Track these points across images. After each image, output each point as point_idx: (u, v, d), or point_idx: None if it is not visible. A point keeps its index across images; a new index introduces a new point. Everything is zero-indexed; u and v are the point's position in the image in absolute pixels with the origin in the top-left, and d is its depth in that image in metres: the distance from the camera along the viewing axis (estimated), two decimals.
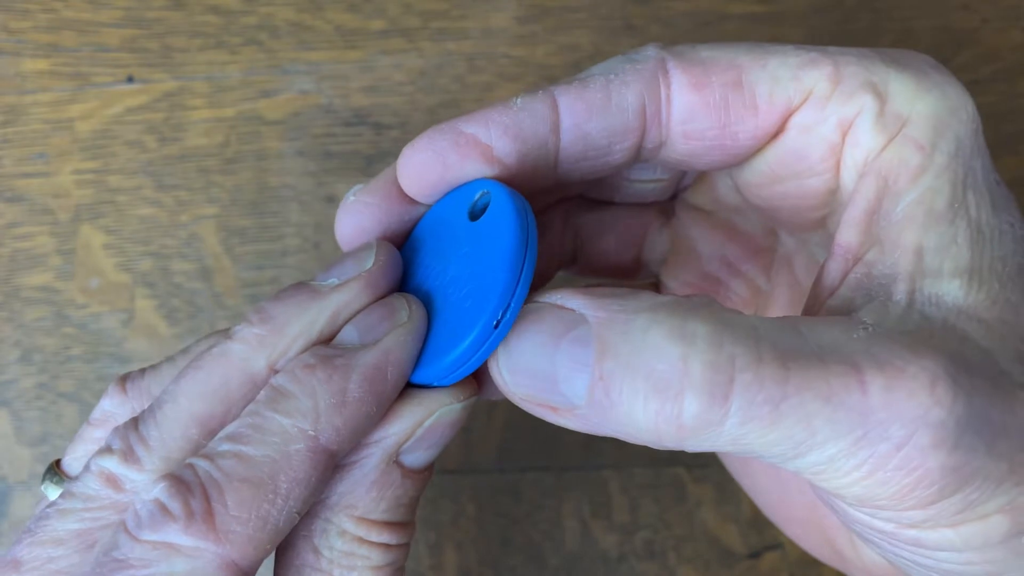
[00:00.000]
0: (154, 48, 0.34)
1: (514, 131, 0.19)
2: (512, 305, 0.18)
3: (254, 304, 0.34)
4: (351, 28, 0.34)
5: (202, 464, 0.18)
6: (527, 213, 0.19)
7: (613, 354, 0.17)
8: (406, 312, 0.19)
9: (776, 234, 0.24)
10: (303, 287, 0.20)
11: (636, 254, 0.25)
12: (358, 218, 0.21)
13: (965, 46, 0.34)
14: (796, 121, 0.19)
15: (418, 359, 0.20)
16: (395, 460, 0.19)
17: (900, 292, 0.18)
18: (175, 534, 0.17)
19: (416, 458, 0.20)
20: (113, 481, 0.18)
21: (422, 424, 0.19)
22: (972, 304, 0.17)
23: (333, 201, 0.34)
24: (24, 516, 0.33)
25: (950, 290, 0.18)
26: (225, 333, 0.20)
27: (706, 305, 0.17)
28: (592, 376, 0.17)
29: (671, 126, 0.20)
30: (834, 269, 0.19)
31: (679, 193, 0.25)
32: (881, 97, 0.19)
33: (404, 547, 0.20)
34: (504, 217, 0.19)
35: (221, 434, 0.18)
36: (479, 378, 0.20)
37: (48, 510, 0.19)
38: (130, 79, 0.34)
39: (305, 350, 0.19)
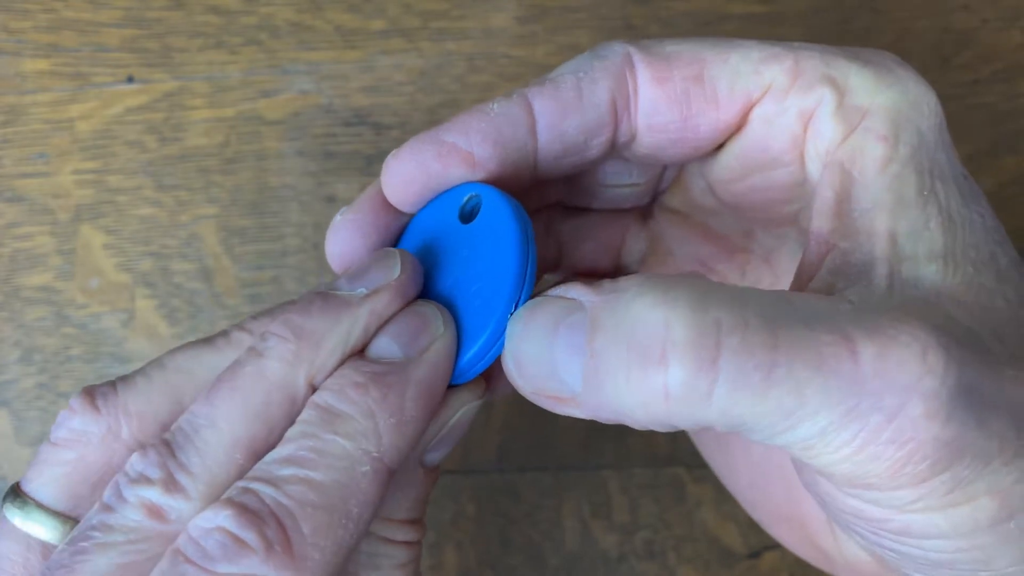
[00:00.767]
0: (154, 48, 0.34)
1: (493, 136, 0.20)
2: (522, 299, 0.19)
3: (254, 304, 0.34)
4: (351, 28, 0.34)
5: (268, 491, 0.17)
6: (521, 209, 0.20)
7: (603, 331, 0.17)
8: (441, 321, 0.19)
9: (753, 234, 0.25)
10: (331, 298, 0.19)
11: (616, 257, 0.26)
12: (346, 234, 0.21)
13: (965, 46, 0.34)
14: (757, 113, 0.20)
15: None
16: (420, 461, 0.20)
17: (879, 276, 0.18)
18: (255, 565, 0.16)
19: (435, 456, 0.20)
20: (156, 512, 0.18)
21: (447, 423, 0.20)
22: (950, 286, 0.17)
23: (333, 201, 0.34)
24: None
25: (927, 273, 0.18)
26: (226, 340, 0.20)
27: (693, 276, 0.17)
28: (586, 357, 0.17)
29: (637, 119, 0.20)
30: (812, 253, 0.19)
31: (657, 197, 0.25)
32: (840, 90, 0.19)
33: (419, 544, 0.20)
34: (502, 215, 0.19)
35: (276, 457, 0.18)
36: (487, 377, 0.21)
37: (84, 544, 0.18)
38: (130, 79, 0.34)
39: (340, 363, 0.19)
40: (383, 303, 0.19)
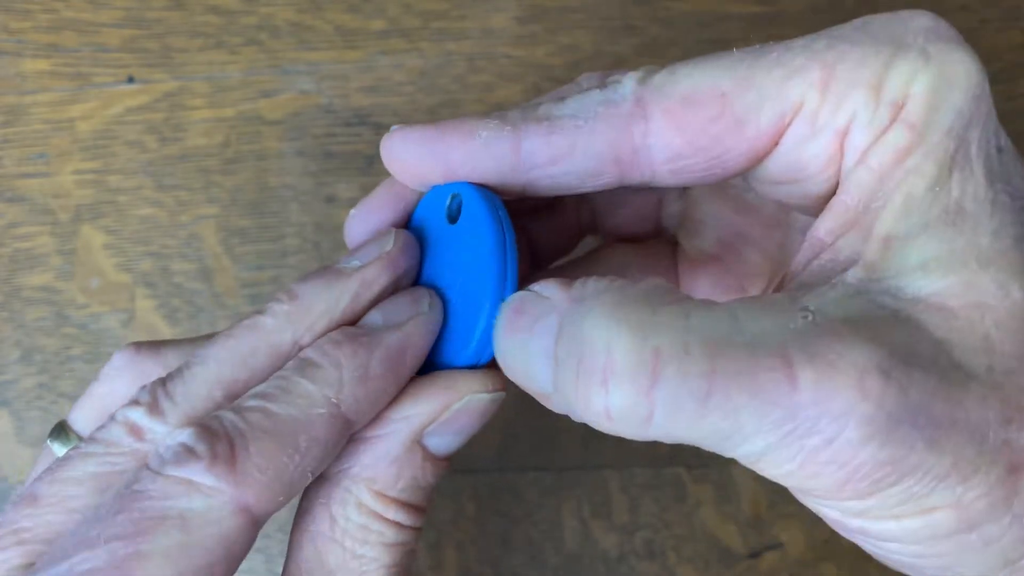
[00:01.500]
0: (154, 48, 0.34)
1: (472, 163, 0.20)
2: (506, 292, 0.20)
3: (254, 304, 0.34)
4: (351, 28, 0.34)
5: (229, 416, 0.19)
6: (498, 205, 0.20)
7: (563, 341, 0.17)
8: (427, 302, 0.21)
9: (790, 210, 0.24)
10: (328, 268, 0.21)
11: (656, 220, 0.26)
12: (356, 226, 0.23)
13: None
14: (789, 137, 0.19)
15: (439, 345, 0.21)
16: (419, 440, 0.20)
17: (853, 276, 0.18)
18: (197, 472, 0.18)
19: (439, 443, 0.21)
20: (136, 431, 0.19)
21: (450, 407, 0.20)
22: (935, 293, 0.17)
23: (333, 201, 0.34)
24: None
25: (911, 282, 0.17)
26: (259, 310, 0.21)
27: (648, 292, 0.17)
28: (552, 363, 0.17)
29: (655, 166, 0.20)
30: (804, 251, 0.19)
31: None
32: (875, 90, 0.18)
33: (416, 531, 0.20)
34: (479, 214, 0.20)
35: (249, 393, 0.19)
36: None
37: (71, 452, 0.20)
38: (130, 79, 0.34)
39: (330, 327, 0.20)
40: (372, 273, 0.21)
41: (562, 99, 0.20)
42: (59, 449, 0.22)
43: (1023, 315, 0.17)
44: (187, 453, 0.18)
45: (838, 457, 0.16)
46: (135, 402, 0.20)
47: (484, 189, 0.21)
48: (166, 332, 0.33)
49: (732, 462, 0.33)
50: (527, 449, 0.33)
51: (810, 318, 0.17)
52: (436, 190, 0.22)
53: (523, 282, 0.20)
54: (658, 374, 0.16)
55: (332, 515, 0.20)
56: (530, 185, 0.20)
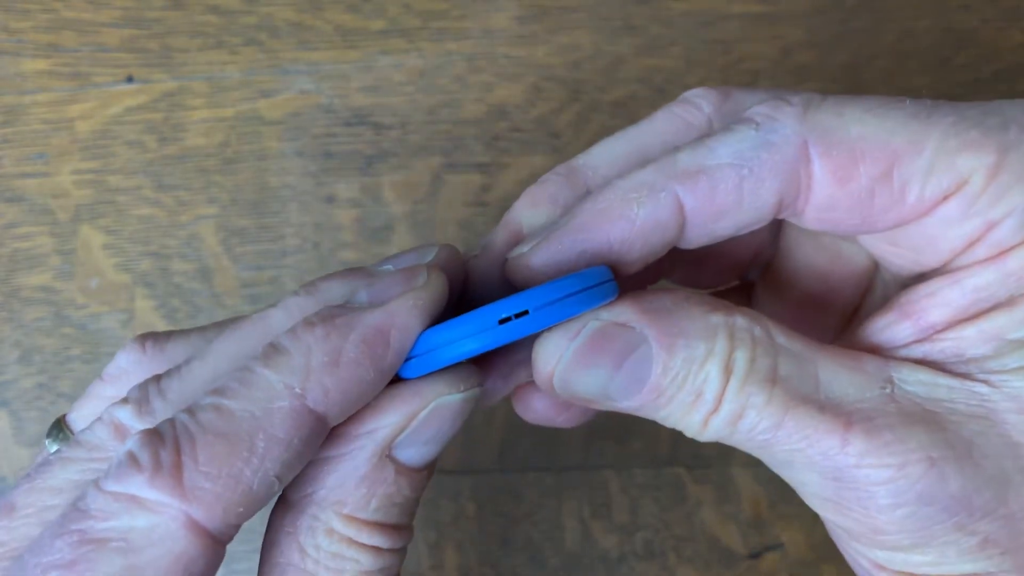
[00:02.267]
0: (154, 48, 0.34)
1: (639, 248, 0.19)
2: (533, 314, 0.18)
3: (253, 305, 0.34)
4: (351, 28, 0.34)
5: (182, 417, 0.16)
6: (605, 279, 0.19)
7: (672, 377, 0.18)
8: (423, 278, 0.18)
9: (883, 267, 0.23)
10: (357, 268, 0.19)
11: (740, 272, 0.25)
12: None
13: (965, 46, 0.34)
14: (940, 212, 0.18)
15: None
16: (388, 454, 0.18)
17: (952, 360, 0.18)
18: (139, 486, 0.16)
19: (412, 454, 0.18)
20: (121, 431, 0.18)
21: (417, 415, 0.18)
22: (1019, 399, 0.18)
23: (333, 201, 0.34)
24: None
25: (1010, 381, 0.18)
26: (274, 303, 0.19)
27: (753, 335, 0.18)
28: (647, 390, 0.18)
29: (806, 212, 0.19)
30: (892, 317, 0.19)
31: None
32: None
33: (398, 552, 0.18)
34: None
35: (209, 388, 0.17)
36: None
37: (51, 457, 0.18)
38: (130, 79, 0.34)
39: None
40: (401, 277, 0.19)
41: (708, 143, 0.19)
42: (52, 446, 0.20)
43: None
44: (131, 463, 0.16)
45: (867, 514, 0.18)
46: (124, 400, 0.18)
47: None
48: None
49: (732, 463, 0.33)
50: (527, 449, 0.33)
51: (889, 391, 0.18)
52: None
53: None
54: (743, 415, 0.18)
55: (300, 545, 0.18)
56: (684, 241, 0.19)
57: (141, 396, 0.18)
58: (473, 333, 0.18)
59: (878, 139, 0.18)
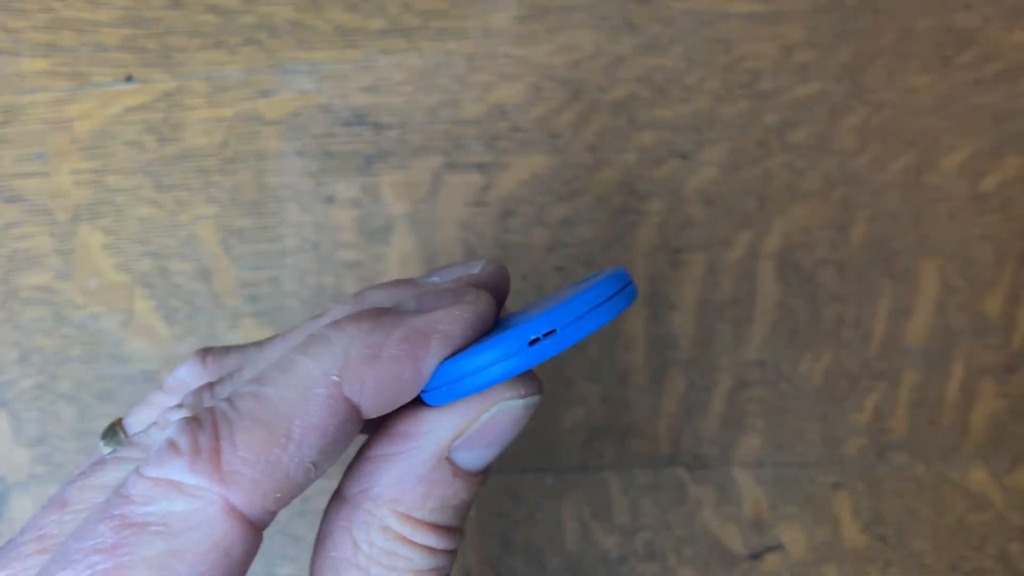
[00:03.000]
0: (153, 48, 0.34)
1: None
2: (561, 331, 0.17)
3: (253, 304, 0.33)
4: (351, 28, 0.34)
5: (221, 405, 0.17)
6: (625, 283, 0.19)
7: None
8: (473, 295, 0.19)
9: None
10: (405, 279, 0.20)
11: None
12: None
13: (967, 46, 0.34)
14: None
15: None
16: (447, 456, 0.18)
17: None
18: (178, 471, 0.16)
19: (470, 457, 0.18)
20: None
21: (478, 419, 0.18)
22: None
23: (332, 201, 0.34)
24: (23, 516, 0.33)
25: None
26: (322, 311, 0.20)
27: None
28: None
29: None
30: None
31: None
32: None
33: (450, 554, 0.19)
34: (602, 278, 0.19)
35: (249, 377, 0.18)
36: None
37: (107, 456, 0.18)
38: (129, 79, 0.34)
39: None
40: (449, 287, 0.19)
41: None
42: (106, 450, 0.21)
43: None
44: (171, 449, 0.16)
45: None
46: (179, 405, 0.19)
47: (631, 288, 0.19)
48: (165, 333, 0.33)
49: (733, 463, 0.33)
50: (527, 450, 0.33)
51: None
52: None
53: None
54: None
55: (354, 539, 0.18)
56: None
57: (195, 401, 0.19)
58: (506, 357, 0.18)
59: None
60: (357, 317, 0.18)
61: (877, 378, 0.34)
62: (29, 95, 0.34)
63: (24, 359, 0.33)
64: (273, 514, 0.17)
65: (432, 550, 0.18)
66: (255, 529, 0.16)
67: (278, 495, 0.16)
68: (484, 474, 0.19)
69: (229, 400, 0.17)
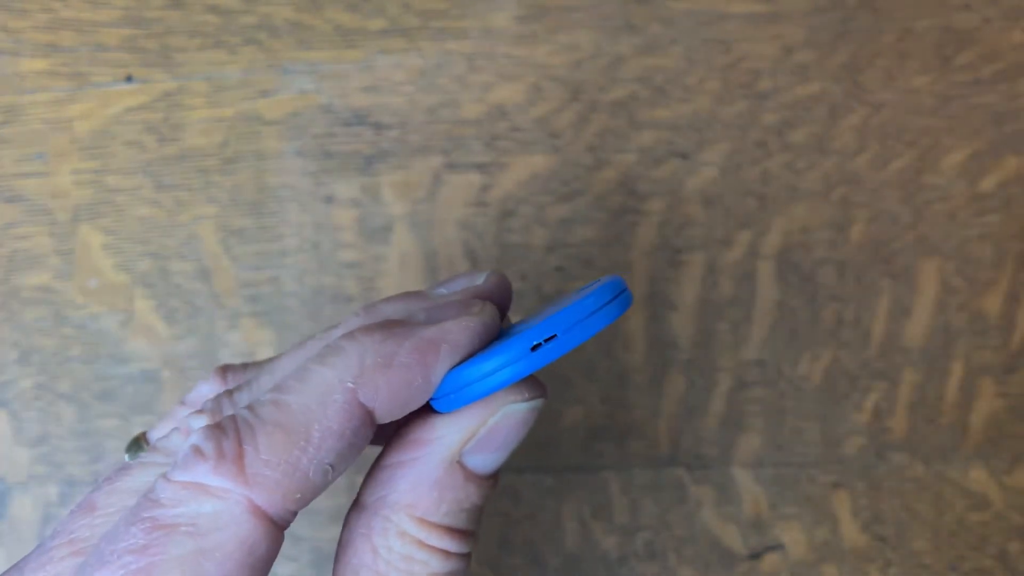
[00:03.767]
0: (153, 48, 0.34)
1: None
2: (561, 336, 0.18)
3: (253, 305, 0.33)
4: (351, 28, 0.34)
5: (243, 412, 0.18)
6: (621, 290, 0.20)
7: None
8: (479, 307, 0.20)
9: None
10: (414, 292, 0.21)
11: None
12: None
13: (966, 46, 0.34)
14: None
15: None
16: (458, 460, 0.19)
17: None
18: (204, 474, 0.17)
19: (480, 461, 0.19)
20: None
21: (486, 423, 0.19)
22: None
23: (332, 201, 0.34)
24: (23, 516, 0.33)
25: None
26: (336, 323, 0.21)
27: None
28: None
29: None
30: None
31: None
32: None
33: (464, 557, 0.19)
34: (598, 285, 0.19)
35: (269, 386, 0.18)
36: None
37: (132, 462, 0.19)
38: (129, 79, 0.34)
39: None
40: (456, 299, 0.20)
41: None
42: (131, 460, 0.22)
43: None
44: (196, 454, 0.17)
45: None
46: (199, 411, 0.19)
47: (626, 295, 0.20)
48: (165, 332, 0.33)
49: (733, 463, 0.33)
50: (527, 450, 0.33)
51: None
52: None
53: None
54: None
55: (374, 546, 0.19)
56: None
57: (215, 407, 0.19)
58: (509, 363, 0.19)
59: None
60: (370, 329, 0.19)
61: (876, 378, 0.34)
62: (29, 95, 0.34)
63: (24, 359, 0.33)
64: (294, 514, 0.18)
65: (447, 553, 0.19)
66: (277, 528, 0.17)
67: (298, 495, 0.17)
68: (494, 478, 0.20)
69: (250, 408, 0.18)
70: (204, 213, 0.34)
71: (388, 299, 0.20)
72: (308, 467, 0.17)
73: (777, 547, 0.33)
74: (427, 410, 0.20)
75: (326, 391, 0.18)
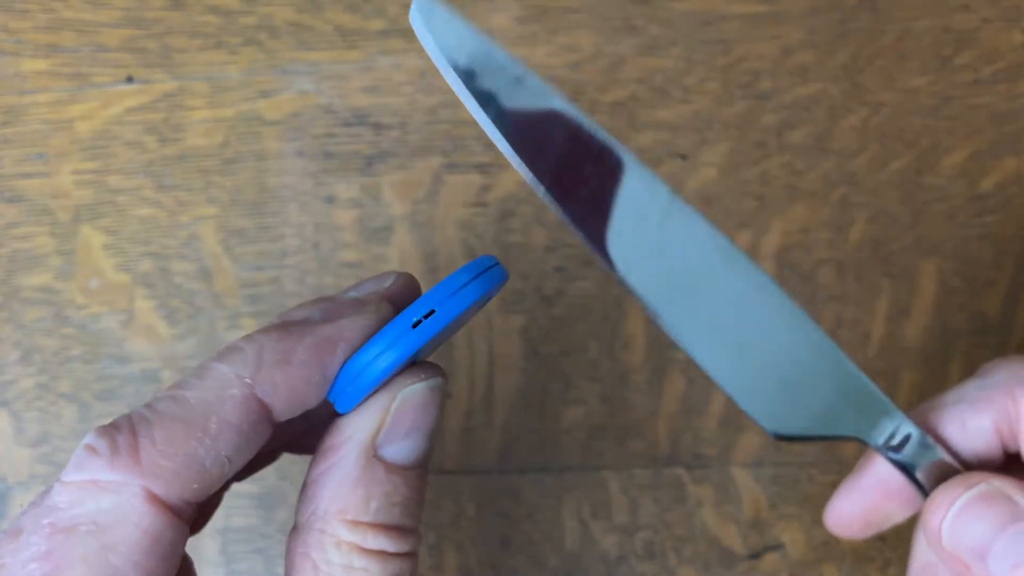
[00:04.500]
0: (154, 48, 0.34)
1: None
2: (440, 310, 0.19)
3: (253, 305, 0.34)
4: (351, 28, 0.34)
5: (139, 409, 0.18)
6: (492, 266, 0.20)
7: None
8: (375, 305, 0.20)
9: None
10: (326, 297, 0.21)
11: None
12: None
13: (966, 46, 0.34)
14: None
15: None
16: (375, 455, 0.19)
17: None
18: (100, 470, 0.17)
19: (397, 451, 0.19)
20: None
21: (389, 410, 0.19)
22: None
23: (332, 201, 0.34)
24: None
25: None
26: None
27: None
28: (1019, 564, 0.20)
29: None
30: None
31: None
32: None
33: (407, 557, 0.19)
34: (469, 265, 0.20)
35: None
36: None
37: (55, 483, 0.19)
38: (130, 79, 0.34)
39: None
40: (350, 301, 0.20)
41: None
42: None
43: None
44: (89, 452, 0.17)
45: None
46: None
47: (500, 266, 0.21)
48: (165, 333, 0.33)
49: (732, 463, 0.34)
50: (527, 450, 0.33)
51: None
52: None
53: None
54: None
55: (314, 563, 0.18)
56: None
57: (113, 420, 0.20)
58: (393, 342, 0.19)
59: None
60: (268, 329, 0.19)
61: (876, 377, 0.34)
62: (30, 95, 0.34)
63: (25, 359, 0.33)
64: (193, 506, 0.18)
65: (386, 555, 0.19)
66: (179, 518, 0.18)
67: (195, 486, 0.18)
68: (421, 467, 0.20)
69: (147, 405, 0.18)
70: (205, 213, 0.34)
71: (301, 305, 0.21)
72: (205, 458, 0.18)
73: (777, 547, 0.33)
74: (335, 417, 0.20)
75: (224, 385, 0.18)
